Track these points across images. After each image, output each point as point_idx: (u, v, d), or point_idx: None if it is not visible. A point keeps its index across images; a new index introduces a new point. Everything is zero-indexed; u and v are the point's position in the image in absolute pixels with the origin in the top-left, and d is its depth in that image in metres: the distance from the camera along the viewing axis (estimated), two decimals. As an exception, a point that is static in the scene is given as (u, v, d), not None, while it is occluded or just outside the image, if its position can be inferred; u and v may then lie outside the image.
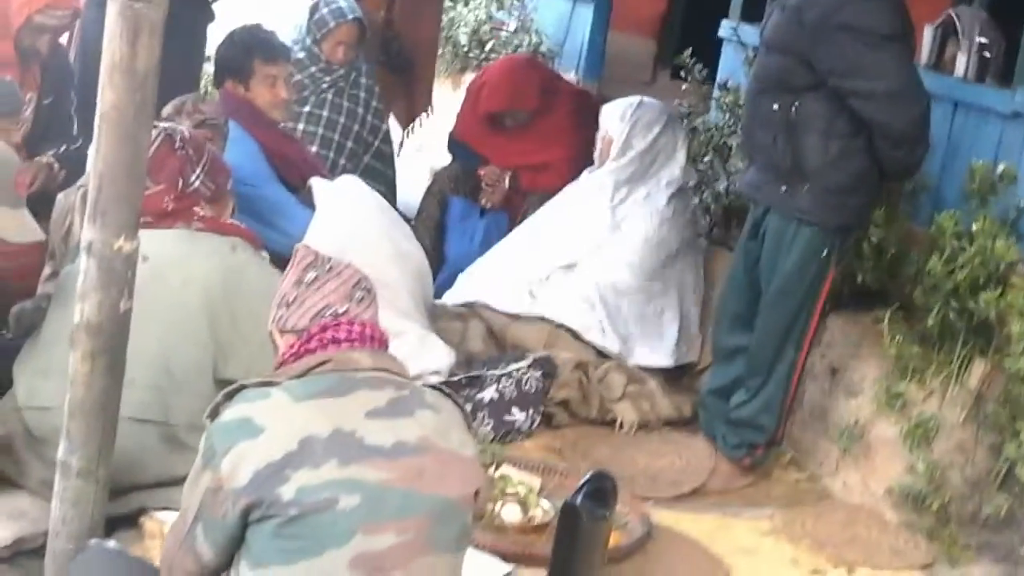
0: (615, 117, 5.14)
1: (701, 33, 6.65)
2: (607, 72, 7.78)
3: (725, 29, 6.47)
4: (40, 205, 3.75)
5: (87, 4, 5.17)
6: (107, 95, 2.57)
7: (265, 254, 3.64)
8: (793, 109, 3.99)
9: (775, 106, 4.03)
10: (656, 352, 4.86)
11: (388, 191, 5.65)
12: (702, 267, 5.17)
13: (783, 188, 4.06)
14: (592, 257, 4.96)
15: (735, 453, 4.28)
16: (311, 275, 2.52)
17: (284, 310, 2.52)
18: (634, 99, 5.24)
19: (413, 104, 6.51)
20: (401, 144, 6.53)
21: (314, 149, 5.31)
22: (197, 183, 3.48)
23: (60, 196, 3.95)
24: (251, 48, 4.71)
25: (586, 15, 7.86)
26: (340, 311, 2.47)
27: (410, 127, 6.58)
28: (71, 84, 4.80)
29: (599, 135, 5.19)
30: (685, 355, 4.93)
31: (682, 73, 5.94)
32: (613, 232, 5.01)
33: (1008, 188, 4.19)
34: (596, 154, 5.21)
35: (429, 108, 6.62)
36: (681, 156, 5.14)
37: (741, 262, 4.31)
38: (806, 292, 4.09)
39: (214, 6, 5.70)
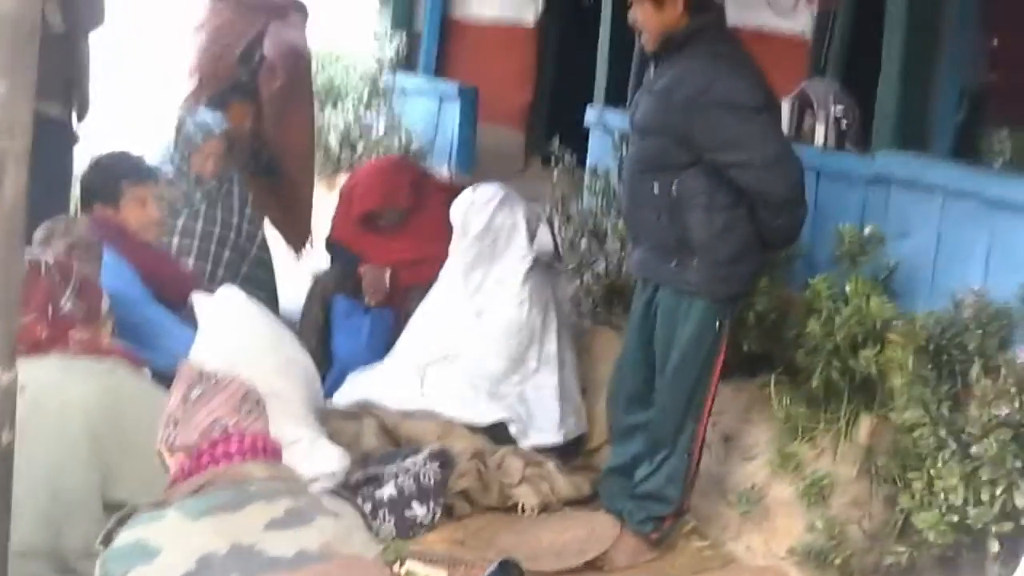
0: (454, 206, 5.21)
1: (568, 120, 6.79)
2: (479, 165, 7.88)
3: (591, 115, 6.62)
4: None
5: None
6: (-25, 233, 2.52)
7: (146, 372, 3.58)
8: (674, 187, 4.08)
9: (656, 186, 4.12)
10: (544, 431, 4.88)
11: (269, 297, 5.63)
12: (573, 339, 5.21)
13: (673, 264, 4.13)
14: (462, 347, 4.99)
15: (642, 527, 4.29)
16: (196, 391, 2.49)
17: (172, 429, 2.49)
18: (473, 186, 5.32)
19: (296, 220, 6.51)
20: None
21: (191, 262, 5.30)
22: (68, 308, 3.41)
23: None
24: (117, 171, 4.71)
25: (453, 111, 7.97)
26: (229, 424, 2.45)
27: (302, 249, 6.57)
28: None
29: None
30: (573, 430, 4.95)
31: (553, 160, 6.04)
32: (477, 319, 5.04)
33: (877, 249, 4.33)
34: None
35: (311, 223, 6.61)
36: (523, 227, 5.13)
37: (635, 340, 4.36)
38: (703, 364, 4.16)
39: (77, 129, 5.66)
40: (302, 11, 6.57)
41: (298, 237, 6.58)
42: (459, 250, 5.15)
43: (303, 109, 6.54)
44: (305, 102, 6.58)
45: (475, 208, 5.13)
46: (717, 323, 4.13)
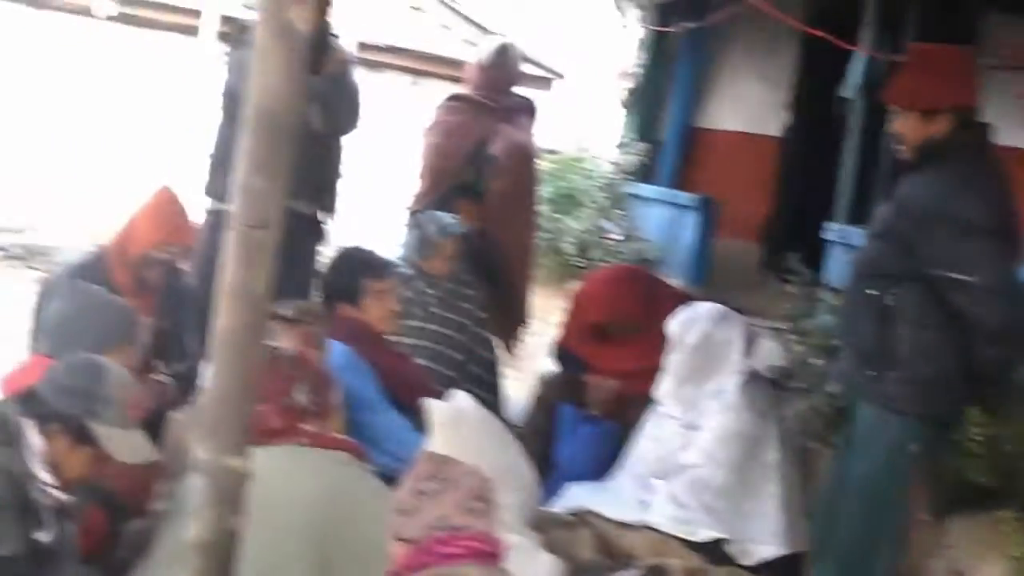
0: (673, 321, 5.17)
1: (806, 235, 6.69)
2: (713, 276, 7.82)
3: (831, 231, 6.50)
4: (154, 424, 3.80)
5: (207, 229, 5.35)
6: (223, 318, 2.61)
7: (371, 468, 3.64)
8: (888, 296, 3.96)
9: (871, 292, 4.01)
10: (765, 543, 4.73)
11: (494, 399, 5.66)
12: (796, 455, 5.03)
13: (872, 373, 3.99)
14: (680, 460, 4.90)
15: None
16: (429, 486, 2.53)
17: (400, 518, 2.52)
18: (691, 304, 5.28)
19: (510, 318, 6.53)
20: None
21: (420, 362, 5.36)
22: (302, 400, 3.52)
23: (174, 415, 4.02)
24: (357, 268, 4.84)
25: (691, 221, 7.96)
26: (456, 524, 2.46)
27: (511, 345, 6.59)
28: (187, 306, 4.92)
29: None
30: (795, 543, 4.78)
31: (789, 276, 5.95)
32: (692, 432, 4.95)
33: None
34: None
35: (526, 321, 6.65)
36: (740, 344, 5.06)
37: (843, 460, 4.20)
38: (895, 487, 3.97)
39: (324, 228, 5.84)
40: (531, 112, 6.67)
41: (508, 337, 6.58)
42: (673, 363, 5.11)
43: (527, 211, 6.60)
44: (530, 204, 6.63)
45: (692, 323, 5.11)
46: (911, 445, 3.94)
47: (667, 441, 5.00)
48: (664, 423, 5.06)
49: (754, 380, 5.04)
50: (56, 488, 3.19)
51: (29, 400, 3.26)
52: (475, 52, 6.70)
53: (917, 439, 3.95)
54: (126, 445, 3.29)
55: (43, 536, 3.18)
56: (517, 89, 6.71)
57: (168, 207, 4.90)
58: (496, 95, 6.51)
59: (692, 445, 4.95)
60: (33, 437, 3.17)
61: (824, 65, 7.52)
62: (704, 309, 5.18)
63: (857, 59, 6.76)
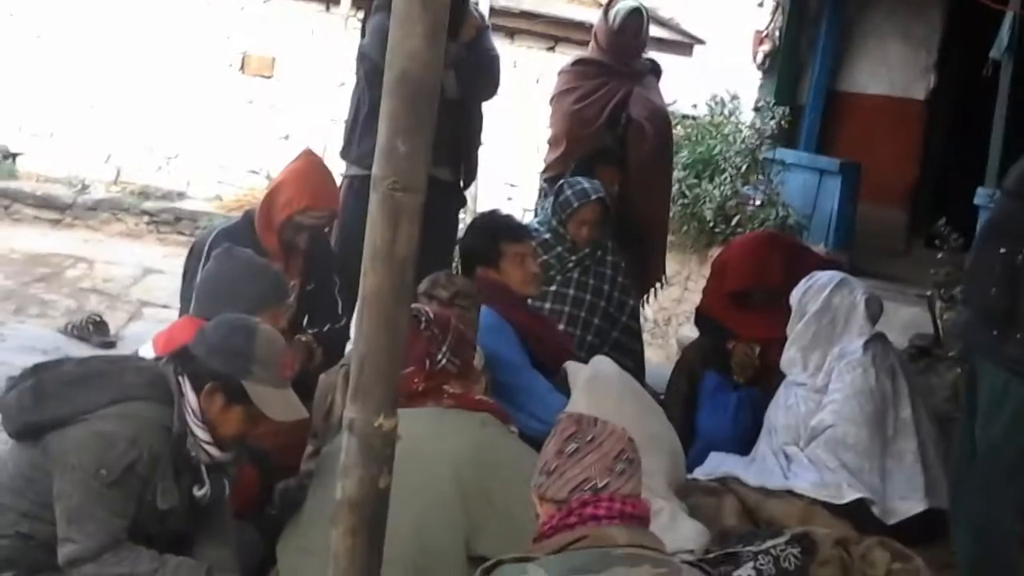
0: (793, 291, 5.12)
1: (956, 200, 6.52)
2: (856, 243, 7.68)
3: (982, 196, 6.33)
4: (301, 384, 3.87)
5: (347, 194, 5.43)
6: (369, 279, 2.64)
7: (514, 428, 3.66)
8: (1020, 256, 3.83)
9: (1001, 250, 3.86)
10: (907, 499, 4.65)
11: (636, 365, 5.64)
12: (933, 416, 4.95)
13: (993, 332, 3.86)
14: (814, 424, 4.84)
15: None
16: (572, 446, 2.54)
17: (545, 478, 2.54)
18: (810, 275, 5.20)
19: (646, 276, 6.49)
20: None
21: (561, 327, 5.37)
22: (444, 361, 3.56)
23: (322, 376, 4.09)
24: (495, 232, 4.85)
25: (834, 186, 7.82)
26: (600, 485, 2.47)
27: (644, 299, 6.55)
28: (333, 269, 5.00)
29: None
30: (937, 499, 4.68)
31: (937, 242, 5.81)
32: (822, 396, 4.89)
33: None
34: None
35: (663, 279, 6.62)
36: (862, 308, 4.97)
37: (966, 421, 4.09)
38: (1020, 452, 3.84)
39: (464, 194, 5.89)
40: (657, 73, 6.62)
41: (644, 294, 6.52)
42: (796, 332, 5.06)
43: (666, 174, 6.56)
44: (668, 166, 6.61)
45: (812, 291, 5.05)
46: None
47: (799, 408, 4.96)
48: (794, 391, 5.01)
49: (879, 341, 4.97)
50: (211, 445, 3.29)
51: (184, 359, 3.34)
52: (604, 15, 6.62)
53: None
54: (278, 404, 3.35)
55: (199, 492, 3.29)
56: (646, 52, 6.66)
57: (312, 171, 4.95)
58: (625, 58, 6.46)
59: (824, 408, 4.89)
60: (190, 395, 3.27)
61: (971, 25, 7.32)
62: (824, 277, 5.12)
63: (1006, 18, 6.55)
